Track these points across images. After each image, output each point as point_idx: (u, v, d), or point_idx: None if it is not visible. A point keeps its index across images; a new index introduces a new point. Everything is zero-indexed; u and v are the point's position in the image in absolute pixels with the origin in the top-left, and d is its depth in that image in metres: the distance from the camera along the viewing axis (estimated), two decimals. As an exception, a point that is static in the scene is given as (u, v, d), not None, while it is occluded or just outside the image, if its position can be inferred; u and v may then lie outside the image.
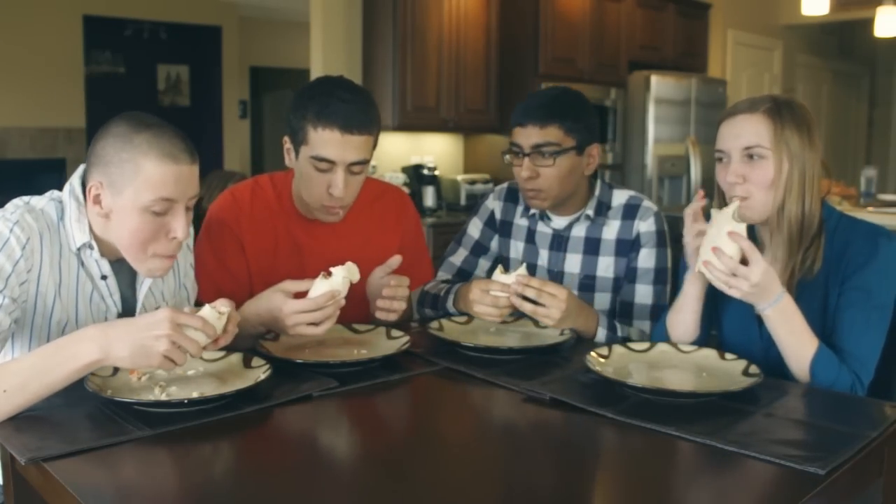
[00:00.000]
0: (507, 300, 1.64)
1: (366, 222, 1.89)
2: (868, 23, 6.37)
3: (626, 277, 1.89)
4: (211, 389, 1.33)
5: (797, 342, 1.43)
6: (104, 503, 1.02)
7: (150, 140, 1.38)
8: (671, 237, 1.92)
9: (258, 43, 8.53)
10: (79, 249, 1.44)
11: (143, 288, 1.53)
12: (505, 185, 2.08)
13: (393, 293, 1.66)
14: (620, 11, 5.55)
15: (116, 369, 1.39)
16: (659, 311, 1.82)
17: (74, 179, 1.47)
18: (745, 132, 1.47)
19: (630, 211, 1.90)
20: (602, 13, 5.41)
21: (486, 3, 4.99)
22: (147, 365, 1.24)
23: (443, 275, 2.06)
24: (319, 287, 1.51)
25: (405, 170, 4.98)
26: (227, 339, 1.35)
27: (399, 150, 5.06)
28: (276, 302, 1.53)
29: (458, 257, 2.06)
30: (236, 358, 1.48)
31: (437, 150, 5.30)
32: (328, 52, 4.49)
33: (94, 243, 1.44)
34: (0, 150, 6.61)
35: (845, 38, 9.09)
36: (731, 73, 6.95)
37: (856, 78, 9.61)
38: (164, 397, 1.28)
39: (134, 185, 1.36)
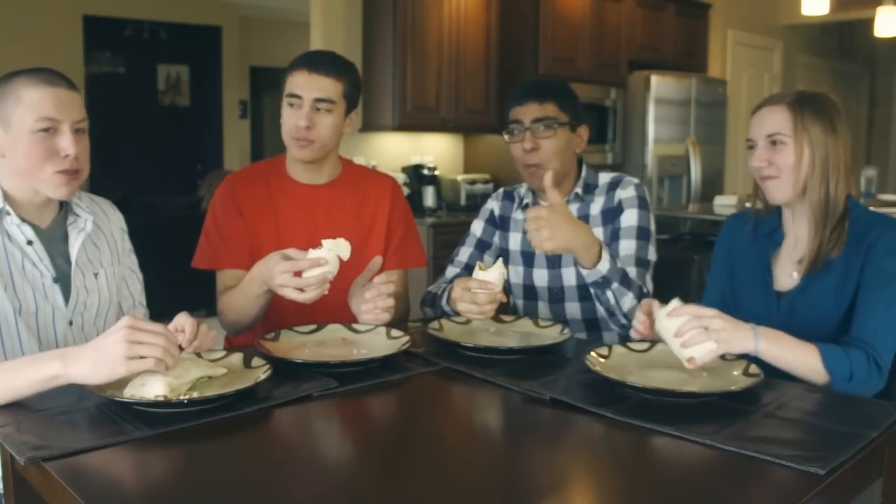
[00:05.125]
0: (485, 297, 1.66)
1: (356, 190, 2.02)
2: (868, 23, 6.37)
3: (612, 238, 1.96)
4: (211, 389, 1.33)
5: (799, 356, 1.45)
6: (104, 503, 1.02)
7: (28, 74, 1.51)
8: (658, 234, 2.02)
9: (258, 43, 8.53)
10: None
11: (76, 246, 1.61)
12: (501, 189, 2.20)
13: (377, 292, 1.69)
14: (620, 11, 5.55)
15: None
16: (642, 262, 1.91)
17: None
18: (768, 121, 1.60)
19: (613, 185, 2.02)
20: (602, 13, 5.41)
21: (486, 3, 4.99)
22: (112, 372, 1.24)
23: (451, 271, 2.12)
24: (310, 255, 1.60)
25: (405, 170, 4.98)
26: (200, 344, 1.45)
27: (399, 150, 5.06)
28: (273, 262, 1.64)
29: (464, 255, 2.14)
30: (236, 358, 1.48)
31: (437, 150, 5.30)
32: (328, 52, 4.48)
33: (9, 208, 1.53)
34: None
35: (845, 38, 9.09)
36: (731, 73, 6.95)
37: (856, 78, 9.61)
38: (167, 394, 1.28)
39: (18, 113, 1.48)
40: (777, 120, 1.59)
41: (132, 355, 1.24)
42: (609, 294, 1.75)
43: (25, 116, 1.47)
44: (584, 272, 1.74)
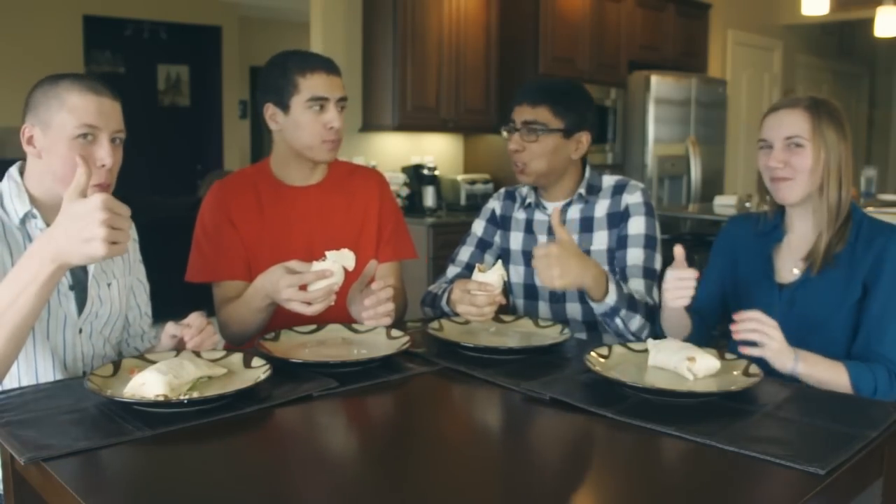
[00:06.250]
0: (485, 299, 1.67)
1: (345, 189, 2.01)
2: (868, 23, 6.38)
3: (618, 245, 1.96)
4: (211, 389, 1.33)
5: (831, 375, 1.50)
6: (104, 503, 1.02)
7: (73, 79, 1.50)
8: (661, 238, 2.02)
9: (258, 43, 8.52)
10: (23, 222, 1.51)
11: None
12: (503, 188, 2.20)
13: (376, 299, 1.68)
14: (620, 11, 5.56)
15: (116, 369, 1.39)
16: (650, 272, 1.92)
17: (12, 169, 1.56)
18: (786, 123, 1.65)
19: (619, 189, 2.02)
20: (602, 13, 5.41)
21: (486, 3, 4.99)
22: (96, 255, 1.24)
23: (452, 270, 2.12)
24: (315, 268, 1.58)
25: (405, 170, 4.98)
26: (201, 342, 1.49)
27: (399, 150, 5.06)
28: (277, 275, 1.62)
29: (465, 254, 2.14)
30: (236, 358, 1.48)
31: (437, 150, 5.30)
32: (328, 52, 4.48)
33: (36, 212, 1.52)
34: (0, 150, 6.60)
35: (845, 38, 9.10)
36: (731, 73, 6.95)
37: (856, 78, 9.61)
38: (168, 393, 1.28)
39: (59, 117, 1.46)
40: (796, 122, 1.63)
41: (112, 238, 1.23)
42: (618, 320, 1.77)
43: (66, 121, 1.46)
44: (593, 305, 1.76)
